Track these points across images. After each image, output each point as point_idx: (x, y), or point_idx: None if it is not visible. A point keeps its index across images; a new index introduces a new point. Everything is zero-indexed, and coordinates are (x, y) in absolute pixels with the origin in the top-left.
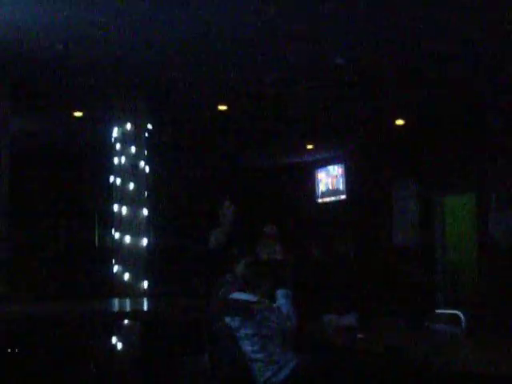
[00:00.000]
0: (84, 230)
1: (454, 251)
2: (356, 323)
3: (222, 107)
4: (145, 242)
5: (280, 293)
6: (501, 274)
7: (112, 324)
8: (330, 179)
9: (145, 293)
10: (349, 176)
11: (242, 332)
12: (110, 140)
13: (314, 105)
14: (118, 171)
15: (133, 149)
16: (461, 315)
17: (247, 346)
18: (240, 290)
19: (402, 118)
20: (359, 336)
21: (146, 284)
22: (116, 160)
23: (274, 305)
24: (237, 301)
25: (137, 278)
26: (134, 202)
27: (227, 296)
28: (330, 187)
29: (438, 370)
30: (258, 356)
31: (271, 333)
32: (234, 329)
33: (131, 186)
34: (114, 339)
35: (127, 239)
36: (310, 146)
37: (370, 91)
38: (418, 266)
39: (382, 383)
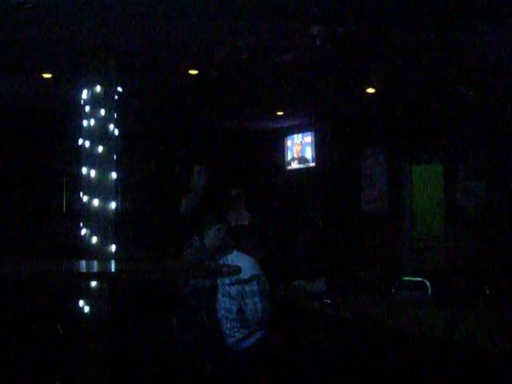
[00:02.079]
0: (52, 193)
1: (422, 220)
2: (324, 289)
3: (193, 71)
4: (113, 205)
5: None
6: (467, 242)
7: (79, 285)
8: (298, 146)
9: (113, 256)
10: (318, 144)
11: (227, 290)
12: (79, 102)
13: (285, 71)
14: (87, 134)
15: (102, 111)
16: (427, 283)
17: (226, 304)
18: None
19: (372, 87)
20: (327, 301)
21: (114, 248)
22: (85, 122)
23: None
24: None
25: (105, 242)
26: (102, 165)
27: (194, 258)
28: (299, 154)
29: (405, 336)
30: (233, 316)
31: (252, 303)
32: (221, 285)
33: (100, 149)
34: (81, 301)
35: (95, 202)
36: (279, 113)
37: (342, 59)
38: (385, 234)
39: (349, 348)
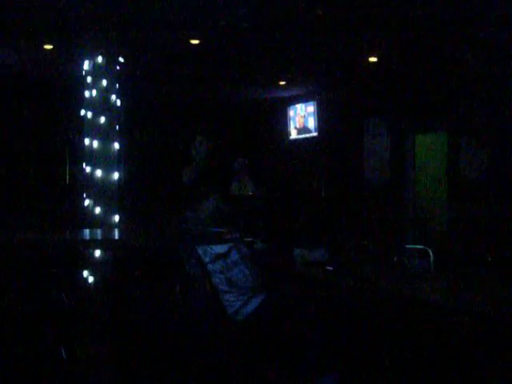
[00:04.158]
0: (55, 164)
1: (425, 188)
2: (326, 257)
3: (195, 41)
4: (116, 176)
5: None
6: (470, 210)
7: (83, 253)
8: (301, 117)
9: (116, 226)
10: (320, 114)
11: (211, 267)
12: (81, 73)
13: (288, 40)
14: (89, 105)
15: (104, 82)
16: (429, 251)
17: (216, 279)
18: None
19: (374, 56)
20: (329, 268)
21: (117, 218)
22: (87, 93)
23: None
24: (209, 231)
25: (108, 212)
26: (105, 135)
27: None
28: (302, 124)
29: (407, 302)
30: (227, 288)
31: (239, 272)
32: (204, 263)
33: (102, 119)
34: (85, 268)
35: (98, 173)
36: (282, 83)
37: (344, 28)
38: (388, 202)
39: (352, 315)
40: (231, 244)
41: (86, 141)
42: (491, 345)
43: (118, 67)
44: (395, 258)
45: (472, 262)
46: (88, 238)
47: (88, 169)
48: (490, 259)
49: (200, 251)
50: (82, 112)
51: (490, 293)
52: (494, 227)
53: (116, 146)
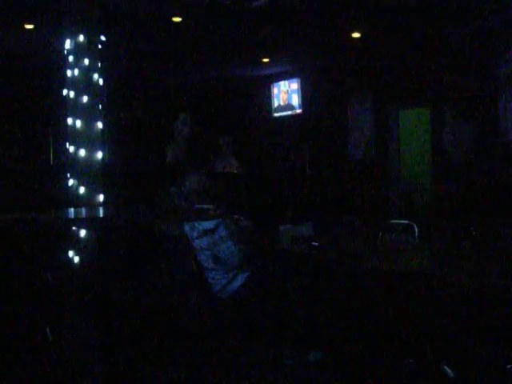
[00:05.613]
0: (38, 144)
1: (409, 165)
2: (312, 233)
3: (177, 19)
4: (100, 155)
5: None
6: (454, 185)
7: (67, 232)
8: (285, 94)
9: (100, 205)
10: (304, 90)
11: (198, 243)
12: (63, 52)
13: (271, 17)
14: (72, 84)
15: (86, 61)
16: (414, 225)
17: (202, 256)
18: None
19: (357, 31)
20: (314, 244)
21: (101, 197)
22: (69, 73)
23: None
24: (197, 208)
25: (92, 192)
26: (88, 115)
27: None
28: (286, 101)
29: (391, 276)
30: (213, 266)
31: (225, 248)
32: (191, 239)
33: (85, 98)
34: (70, 247)
35: (82, 153)
36: (265, 60)
37: (327, 4)
38: (372, 178)
39: (337, 289)
40: (219, 220)
41: (69, 120)
42: (474, 314)
43: (99, 46)
44: (380, 233)
45: (457, 237)
46: (72, 217)
47: (71, 148)
48: (474, 233)
49: (187, 227)
50: (65, 91)
51: (473, 266)
52: (478, 201)
53: (99, 125)
